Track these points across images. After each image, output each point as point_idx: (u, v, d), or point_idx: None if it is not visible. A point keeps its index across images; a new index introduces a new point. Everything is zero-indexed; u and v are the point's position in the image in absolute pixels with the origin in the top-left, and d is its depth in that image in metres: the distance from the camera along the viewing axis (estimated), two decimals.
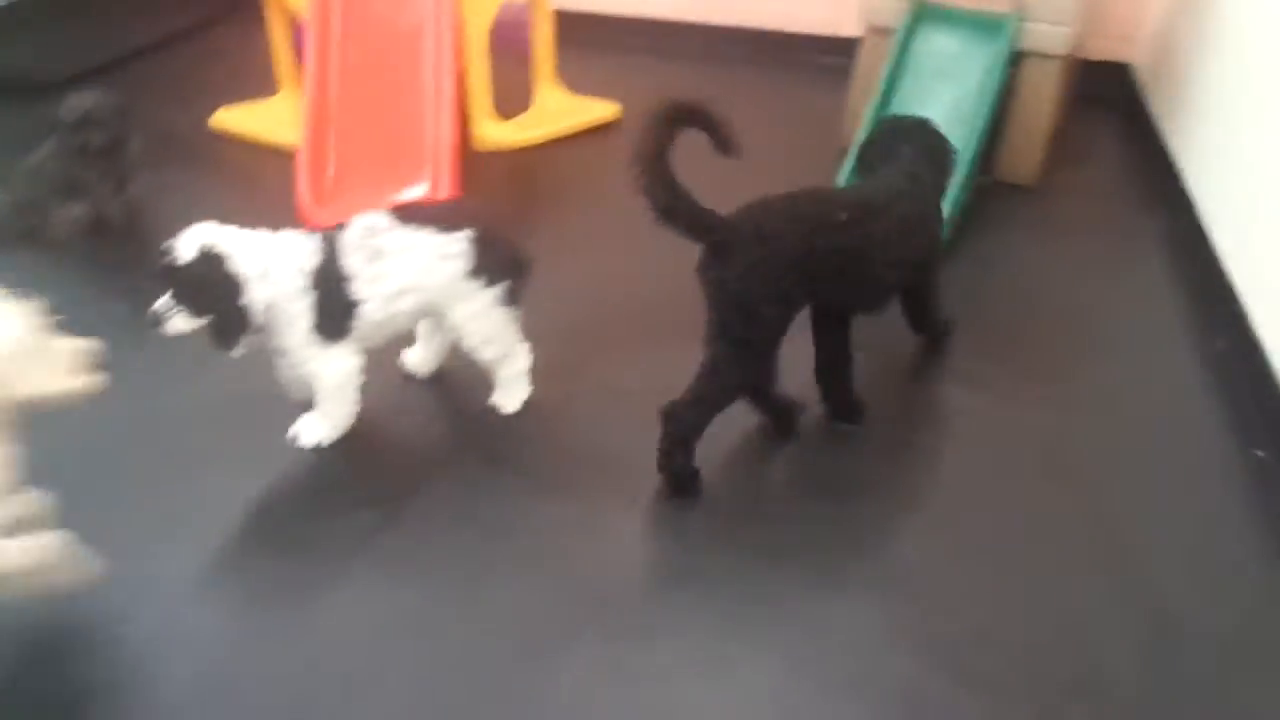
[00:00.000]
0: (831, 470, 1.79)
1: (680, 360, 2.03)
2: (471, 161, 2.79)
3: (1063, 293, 2.30)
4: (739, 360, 1.63)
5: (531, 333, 1.93)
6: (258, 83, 3.13)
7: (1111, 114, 3.19)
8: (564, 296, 2.24)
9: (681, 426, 1.64)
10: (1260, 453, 1.81)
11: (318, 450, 1.79)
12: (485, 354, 1.85)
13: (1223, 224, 2.32)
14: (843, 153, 2.61)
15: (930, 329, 2.07)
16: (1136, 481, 1.76)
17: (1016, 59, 2.59)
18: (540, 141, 2.98)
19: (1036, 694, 1.39)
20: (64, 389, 1.27)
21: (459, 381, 1.97)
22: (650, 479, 1.72)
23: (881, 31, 2.72)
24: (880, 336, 2.02)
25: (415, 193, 2.52)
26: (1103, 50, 3.21)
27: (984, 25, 2.60)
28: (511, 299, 1.81)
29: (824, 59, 3.40)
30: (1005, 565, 1.60)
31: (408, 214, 1.74)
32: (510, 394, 1.91)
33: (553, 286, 2.27)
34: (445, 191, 2.50)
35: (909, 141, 1.92)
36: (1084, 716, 1.36)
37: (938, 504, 1.73)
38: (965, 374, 2.05)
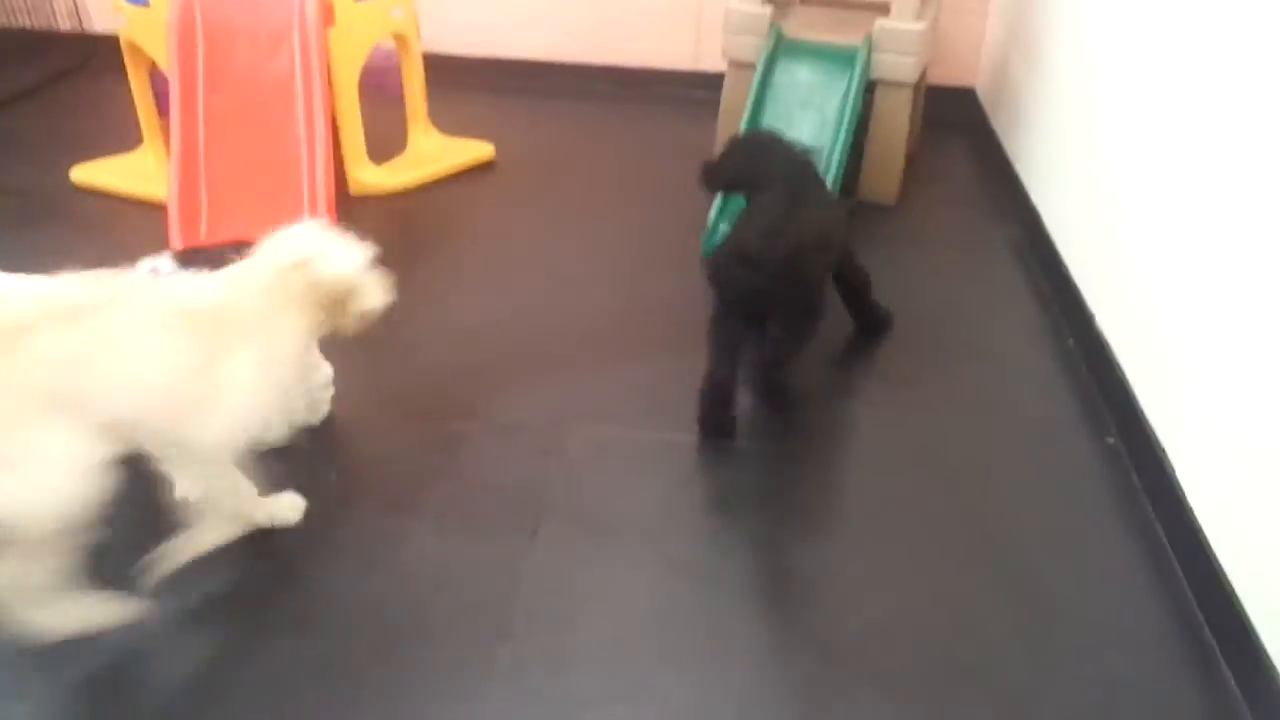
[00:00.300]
0: (722, 487, 1.86)
1: (568, 390, 2.08)
2: (348, 207, 2.77)
3: (927, 302, 2.44)
4: (817, 314, 2.01)
5: (420, 373, 1.94)
6: (117, 136, 3.04)
7: (960, 135, 3.41)
8: (449, 336, 2.25)
9: (767, 382, 1.99)
10: (1111, 439, 1.97)
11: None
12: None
13: (1061, 231, 2.52)
14: None
15: (874, 313, 2.27)
16: (1008, 476, 1.89)
17: (871, 87, 2.76)
18: (416, 184, 2.99)
19: (931, 683, 1.47)
20: (380, 303, 1.65)
21: (350, 427, 1.96)
22: (547, 509, 1.75)
23: (743, 66, 2.84)
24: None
25: None
26: (949, 77, 3.44)
27: (838, 57, 2.75)
28: None
29: (692, 93, 3.52)
30: (895, 563, 1.68)
31: (189, 255, 1.77)
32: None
33: (437, 326, 2.28)
34: None
35: (775, 150, 2.12)
36: (975, 700, 1.45)
37: (826, 510, 1.81)
38: (845, 385, 2.15)
